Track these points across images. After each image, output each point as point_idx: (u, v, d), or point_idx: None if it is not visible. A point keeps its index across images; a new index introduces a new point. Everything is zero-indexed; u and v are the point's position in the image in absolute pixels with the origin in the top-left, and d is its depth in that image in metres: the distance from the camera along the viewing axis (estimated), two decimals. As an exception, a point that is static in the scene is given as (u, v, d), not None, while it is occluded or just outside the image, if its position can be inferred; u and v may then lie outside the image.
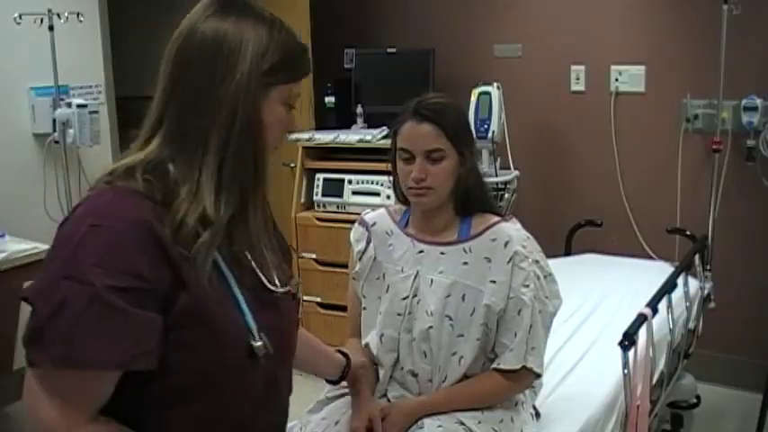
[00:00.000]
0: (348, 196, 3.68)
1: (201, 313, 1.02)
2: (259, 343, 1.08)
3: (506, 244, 1.69)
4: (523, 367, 1.68)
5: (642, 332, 2.04)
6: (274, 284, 1.15)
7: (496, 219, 1.75)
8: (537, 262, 1.71)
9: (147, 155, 1.07)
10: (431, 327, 1.70)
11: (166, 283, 0.99)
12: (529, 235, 1.75)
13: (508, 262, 1.68)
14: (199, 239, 1.02)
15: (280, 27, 1.10)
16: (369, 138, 3.66)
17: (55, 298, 0.95)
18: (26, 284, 1.02)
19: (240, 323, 1.07)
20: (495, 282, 1.68)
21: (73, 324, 0.93)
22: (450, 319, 1.69)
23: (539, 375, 1.74)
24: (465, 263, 1.71)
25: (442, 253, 1.74)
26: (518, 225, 1.76)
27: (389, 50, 3.93)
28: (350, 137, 3.69)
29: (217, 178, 1.05)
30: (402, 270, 1.76)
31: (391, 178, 1.79)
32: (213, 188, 1.04)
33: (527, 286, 1.67)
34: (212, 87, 1.05)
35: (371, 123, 3.86)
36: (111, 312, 0.94)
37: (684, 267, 2.64)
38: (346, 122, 3.91)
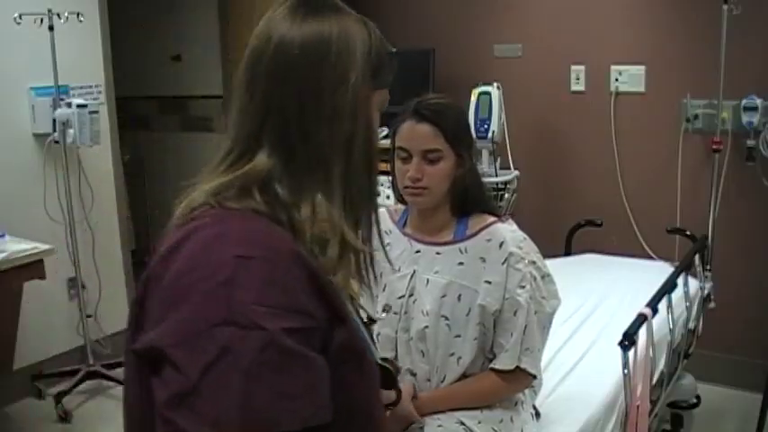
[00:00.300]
0: (348, 196, 3.67)
1: (355, 345, 0.92)
2: (389, 364, 1.02)
3: (501, 245, 1.69)
4: (517, 368, 1.68)
5: (642, 332, 2.04)
6: (363, 311, 1.07)
7: (492, 219, 1.75)
8: (533, 263, 1.71)
9: (256, 173, 0.92)
10: (427, 326, 1.70)
11: (323, 317, 0.86)
12: (525, 236, 1.75)
13: (503, 263, 1.68)
14: (340, 267, 0.91)
15: (372, 26, 1.01)
16: (369, 138, 3.65)
17: (209, 349, 0.76)
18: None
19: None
20: (489, 282, 1.68)
21: (243, 379, 0.76)
22: (447, 319, 1.69)
23: (534, 376, 1.73)
24: (460, 263, 1.71)
25: (438, 253, 1.74)
26: (514, 226, 1.76)
27: (389, 50, 3.92)
28: (350, 137, 3.68)
29: (343, 198, 0.93)
30: (399, 269, 1.76)
31: (391, 178, 1.80)
32: (342, 210, 0.93)
33: (523, 287, 1.67)
34: (322, 96, 0.92)
35: (371, 123, 3.85)
36: (289, 360, 0.79)
37: (684, 267, 2.64)
38: (346, 123, 3.90)
